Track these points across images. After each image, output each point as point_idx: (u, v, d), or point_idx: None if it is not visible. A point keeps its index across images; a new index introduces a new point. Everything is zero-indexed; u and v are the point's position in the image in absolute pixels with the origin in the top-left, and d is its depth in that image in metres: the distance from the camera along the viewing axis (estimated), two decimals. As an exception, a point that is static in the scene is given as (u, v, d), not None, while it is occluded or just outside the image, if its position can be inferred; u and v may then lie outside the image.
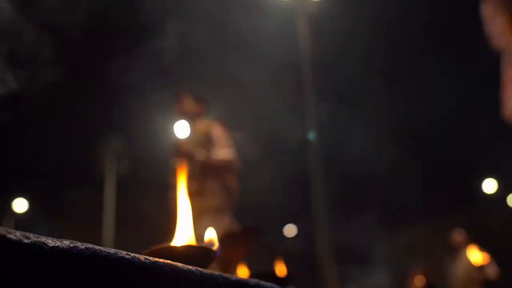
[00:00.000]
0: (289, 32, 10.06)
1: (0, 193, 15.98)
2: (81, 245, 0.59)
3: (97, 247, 0.60)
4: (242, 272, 2.55)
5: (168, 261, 0.67)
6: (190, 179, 3.49)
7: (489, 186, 16.20)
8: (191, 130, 3.73)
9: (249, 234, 3.36)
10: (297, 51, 9.55)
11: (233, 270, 3.15)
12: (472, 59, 11.61)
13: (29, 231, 0.57)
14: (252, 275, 3.39)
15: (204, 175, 3.47)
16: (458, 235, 6.78)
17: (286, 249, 16.71)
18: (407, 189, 13.82)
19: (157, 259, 0.66)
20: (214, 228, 3.28)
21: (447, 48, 14.53)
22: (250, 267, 2.68)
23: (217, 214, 3.47)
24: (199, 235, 3.13)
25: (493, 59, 2.63)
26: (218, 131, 3.61)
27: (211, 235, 0.87)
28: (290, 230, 20.64)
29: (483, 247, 6.49)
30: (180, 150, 3.50)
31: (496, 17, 2.58)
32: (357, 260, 12.57)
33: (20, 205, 16.71)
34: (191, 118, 3.74)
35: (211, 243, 0.86)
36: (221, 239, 2.97)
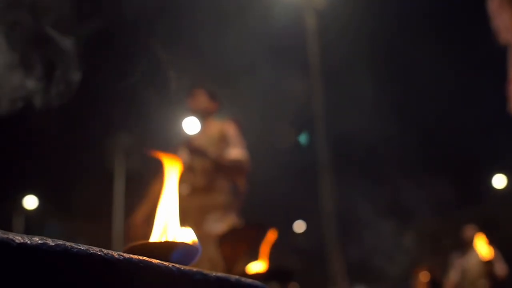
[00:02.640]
0: (296, 27, 10.04)
1: (11, 190, 16.09)
2: (51, 242, 0.57)
3: (68, 244, 0.59)
4: (255, 267, 2.53)
5: (144, 258, 0.66)
6: (201, 175, 3.49)
7: (499, 181, 16.07)
8: (202, 127, 3.70)
9: (253, 230, 3.35)
10: (304, 46, 9.54)
11: (237, 266, 3.14)
12: (483, 55, 11.52)
13: (39, 228, 0.56)
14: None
15: (215, 173, 3.48)
16: (470, 231, 6.71)
17: (295, 245, 16.72)
18: (417, 184, 13.76)
19: (131, 255, 0.64)
20: (221, 224, 3.27)
21: (458, 45, 14.44)
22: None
23: (224, 211, 3.48)
24: (206, 230, 3.09)
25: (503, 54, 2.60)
26: (232, 131, 3.61)
27: (191, 234, 0.86)
28: (299, 226, 20.62)
29: (492, 242, 6.42)
30: (192, 147, 3.49)
31: (502, 12, 2.55)
32: (363, 258, 12.56)
33: (30, 202, 16.82)
34: (203, 115, 3.70)
35: (193, 241, 0.84)
36: (225, 235, 2.95)
